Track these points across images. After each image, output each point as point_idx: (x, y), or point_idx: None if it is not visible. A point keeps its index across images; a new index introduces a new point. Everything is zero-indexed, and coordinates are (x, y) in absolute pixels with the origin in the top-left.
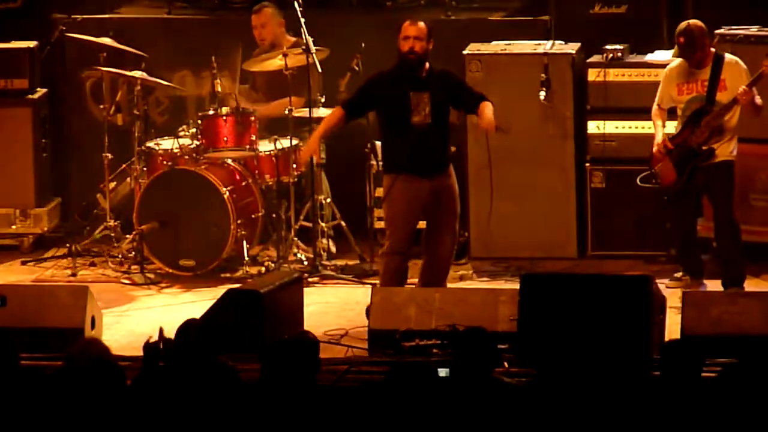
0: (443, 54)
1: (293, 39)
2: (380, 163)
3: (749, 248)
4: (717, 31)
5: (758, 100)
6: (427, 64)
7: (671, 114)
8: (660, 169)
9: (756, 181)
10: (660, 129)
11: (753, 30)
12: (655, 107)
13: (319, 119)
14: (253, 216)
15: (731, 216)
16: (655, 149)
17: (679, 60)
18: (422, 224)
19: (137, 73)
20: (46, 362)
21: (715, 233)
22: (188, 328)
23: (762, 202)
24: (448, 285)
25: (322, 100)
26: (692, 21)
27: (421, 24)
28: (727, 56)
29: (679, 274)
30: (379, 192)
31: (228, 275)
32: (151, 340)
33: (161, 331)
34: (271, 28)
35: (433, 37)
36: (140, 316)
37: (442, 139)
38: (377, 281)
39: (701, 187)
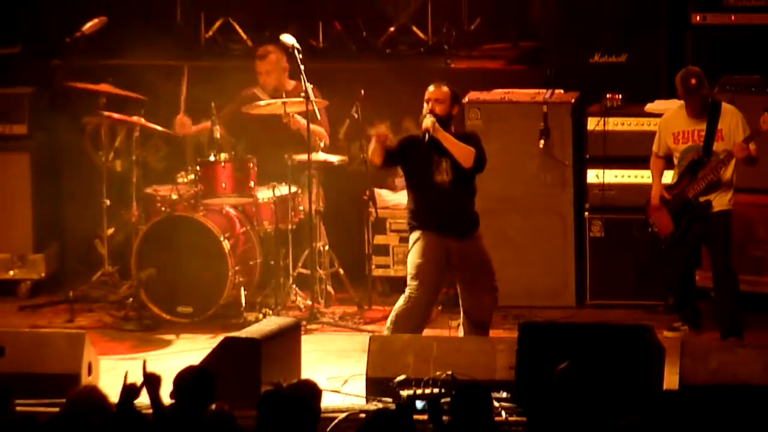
0: None
1: (293, 82)
2: (375, 212)
3: (747, 298)
4: (718, 80)
5: (753, 151)
6: (453, 128)
7: (669, 162)
8: (656, 220)
9: (754, 231)
10: (657, 179)
11: (754, 79)
12: (652, 156)
13: (319, 163)
14: (251, 263)
15: (729, 266)
16: (652, 201)
17: (675, 108)
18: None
19: (136, 119)
20: (43, 408)
21: (713, 283)
22: (186, 375)
23: (760, 252)
24: (445, 333)
25: (321, 144)
26: (689, 66)
27: (445, 88)
28: (725, 105)
29: (677, 324)
30: (380, 239)
31: (226, 322)
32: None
33: (144, 365)
34: (276, 75)
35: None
36: (137, 362)
37: (465, 200)
38: (375, 329)
39: (699, 236)
